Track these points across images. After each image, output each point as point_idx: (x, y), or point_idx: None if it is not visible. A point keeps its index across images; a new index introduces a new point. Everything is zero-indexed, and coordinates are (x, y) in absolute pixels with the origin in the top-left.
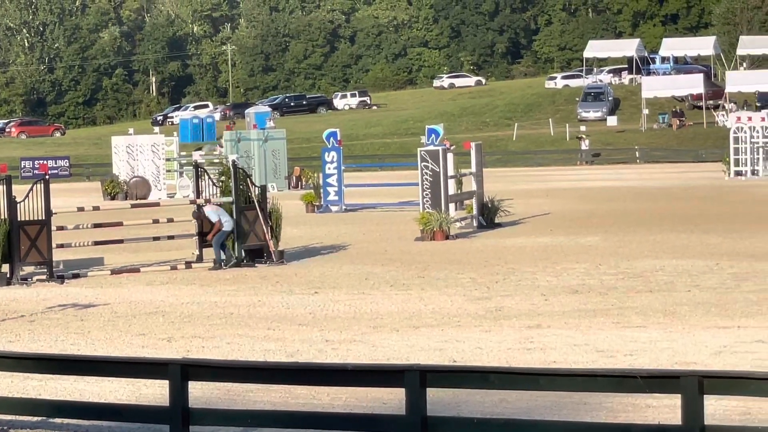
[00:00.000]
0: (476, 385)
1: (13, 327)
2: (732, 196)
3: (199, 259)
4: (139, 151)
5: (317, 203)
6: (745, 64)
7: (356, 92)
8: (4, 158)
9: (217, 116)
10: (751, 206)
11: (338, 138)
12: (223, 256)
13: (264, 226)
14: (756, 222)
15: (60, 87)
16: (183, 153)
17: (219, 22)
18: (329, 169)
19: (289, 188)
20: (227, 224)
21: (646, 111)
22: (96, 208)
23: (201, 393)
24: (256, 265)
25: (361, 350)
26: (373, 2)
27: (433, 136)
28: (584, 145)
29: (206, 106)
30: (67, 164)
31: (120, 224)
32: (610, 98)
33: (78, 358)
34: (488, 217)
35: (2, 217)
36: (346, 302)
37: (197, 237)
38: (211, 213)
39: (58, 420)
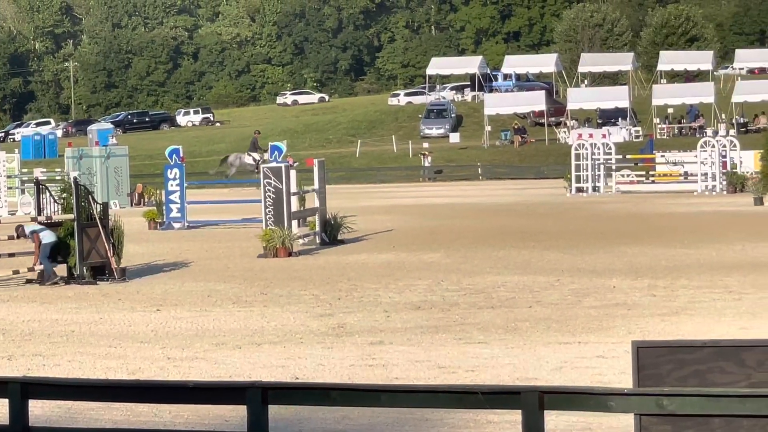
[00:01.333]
0: (318, 402)
1: None
2: (573, 212)
3: (40, 276)
4: None
5: (160, 220)
6: (586, 82)
7: (199, 109)
8: None
9: (59, 133)
10: (591, 222)
11: (181, 155)
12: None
13: (106, 244)
14: (596, 238)
15: None
16: (24, 170)
17: (61, 38)
18: (172, 185)
19: (131, 205)
20: (46, 237)
21: (488, 128)
22: None
23: (41, 411)
24: (98, 282)
25: (204, 367)
26: (216, 19)
27: (276, 152)
28: (427, 162)
29: (48, 122)
30: None
31: None
32: (452, 115)
33: None
34: (331, 233)
35: None
36: (188, 319)
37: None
38: (30, 228)
39: None
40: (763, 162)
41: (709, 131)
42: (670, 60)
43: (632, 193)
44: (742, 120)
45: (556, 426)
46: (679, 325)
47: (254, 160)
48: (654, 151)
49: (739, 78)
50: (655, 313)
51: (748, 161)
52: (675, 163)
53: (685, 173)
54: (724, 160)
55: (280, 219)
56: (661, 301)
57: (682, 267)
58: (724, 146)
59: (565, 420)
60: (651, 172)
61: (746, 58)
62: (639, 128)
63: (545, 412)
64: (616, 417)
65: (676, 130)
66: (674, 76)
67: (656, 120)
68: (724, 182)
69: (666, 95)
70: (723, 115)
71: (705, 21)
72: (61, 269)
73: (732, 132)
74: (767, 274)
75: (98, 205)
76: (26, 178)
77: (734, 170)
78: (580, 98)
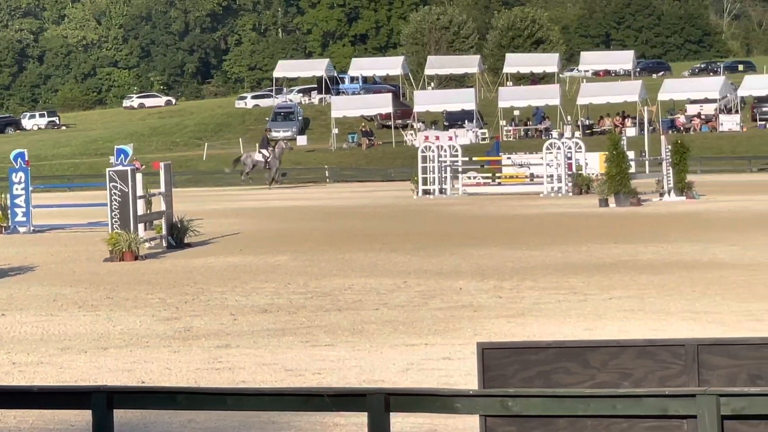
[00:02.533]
0: (164, 406)
1: None
2: (420, 214)
3: None
4: None
5: (5, 224)
6: (432, 84)
7: (45, 112)
8: None
9: None
10: (438, 224)
11: (26, 158)
12: None
13: None
14: (443, 240)
15: None
16: None
17: None
18: (17, 189)
19: None
20: None
21: (335, 131)
22: None
23: None
24: None
25: (49, 372)
26: (61, 22)
27: (122, 156)
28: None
29: None
30: None
31: None
32: (299, 118)
33: None
34: (178, 237)
35: None
36: (33, 324)
37: None
38: None
39: None
40: (608, 164)
41: (554, 133)
42: (516, 62)
43: (479, 195)
44: (587, 122)
45: (402, 428)
46: (524, 327)
47: (264, 156)
48: (500, 153)
49: (584, 80)
50: (501, 315)
51: (593, 163)
52: (521, 165)
53: (531, 175)
54: (569, 161)
55: (126, 223)
56: (507, 303)
57: (528, 268)
58: (570, 148)
59: (411, 422)
60: (497, 174)
61: (591, 60)
62: (485, 130)
63: (391, 414)
64: (462, 418)
65: (522, 132)
66: (520, 79)
67: (502, 122)
68: (570, 184)
69: (512, 97)
70: (568, 117)
71: (551, 24)
72: None
73: (577, 134)
74: (612, 276)
75: None
76: None
77: (579, 172)
78: (426, 101)
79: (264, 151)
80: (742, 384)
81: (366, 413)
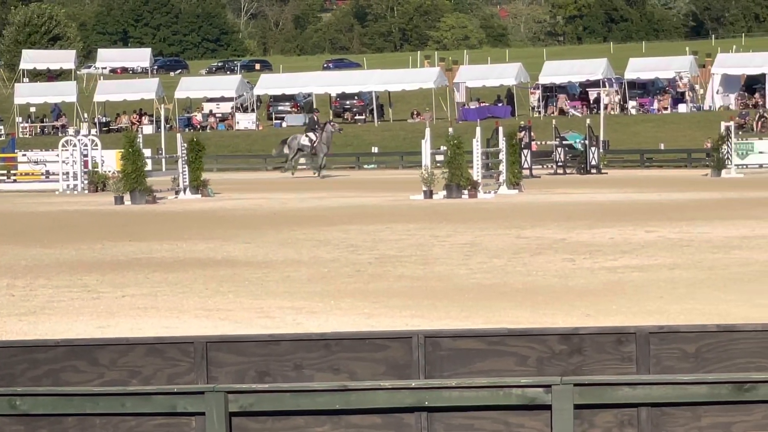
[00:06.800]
0: None
1: None
2: None
3: None
4: None
5: None
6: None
7: None
8: None
9: None
10: None
11: None
12: None
13: None
14: None
15: None
16: None
17: None
18: None
19: None
20: None
21: None
22: None
23: None
24: None
25: None
26: None
27: None
28: None
29: None
30: None
31: None
32: None
33: None
34: None
35: None
36: None
37: None
38: None
39: None
40: (124, 161)
41: (71, 130)
42: (33, 59)
43: None
44: (104, 119)
45: None
46: (37, 325)
47: (310, 140)
48: (16, 150)
49: (102, 77)
50: (13, 313)
51: (110, 160)
52: (37, 162)
53: (47, 172)
54: (85, 159)
55: None
56: (20, 301)
57: (42, 266)
58: (86, 145)
59: None
60: (12, 172)
61: (109, 57)
62: (1, 127)
63: None
64: None
65: (39, 129)
66: (37, 75)
67: (19, 119)
68: (86, 181)
69: (29, 94)
70: (85, 114)
71: (68, 20)
72: None
73: (94, 131)
74: (126, 273)
75: None
76: None
77: (96, 169)
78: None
79: (311, 134)
80: (250, 381)
81: None
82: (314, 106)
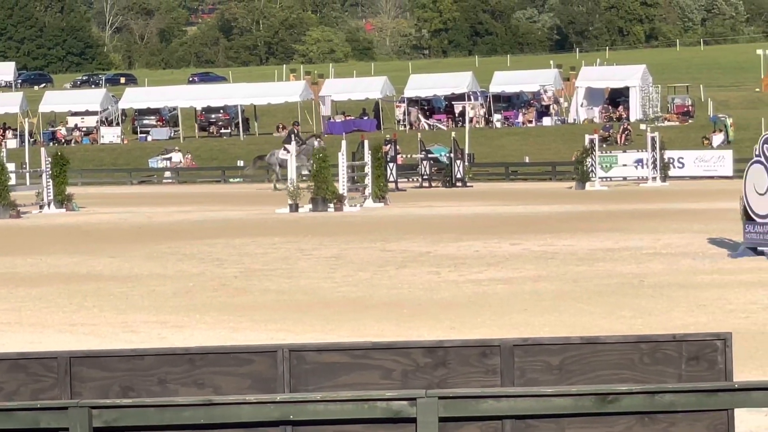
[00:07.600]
0: None
1: None
2: None
3: None
4: None
5: None
6: None
7: None
8: None
9: None
10: None
11: None
12: None
13: None
14: None
15: None
16: None
17: None
18: None
19: None
20: None
21: None
22: None
23: None
24: None
25: None
26: None
27: None
28: None
29: None
30: None
31: None
32: None
33: None
34: None
35: None
36: None
37: None
38: None
39: None
40: None
41: None
42: None
43: None
44: None
45: None
46: None
47: (287, 152)
48: None
49: None
50: None
51: None
52: None
53: None
54: None
55: None
56: None
57: None
58: None
59: None
60: None
61: None
62: None
63: None
64: None
65: None
66: None
67: None
68: None
69: None
70: None
71: None
72: None
73: None
74: None
75: None
76: None
77: None
78: None
79: (289, 146)
80: (114, 396)
81: None
82: (183, 120)
